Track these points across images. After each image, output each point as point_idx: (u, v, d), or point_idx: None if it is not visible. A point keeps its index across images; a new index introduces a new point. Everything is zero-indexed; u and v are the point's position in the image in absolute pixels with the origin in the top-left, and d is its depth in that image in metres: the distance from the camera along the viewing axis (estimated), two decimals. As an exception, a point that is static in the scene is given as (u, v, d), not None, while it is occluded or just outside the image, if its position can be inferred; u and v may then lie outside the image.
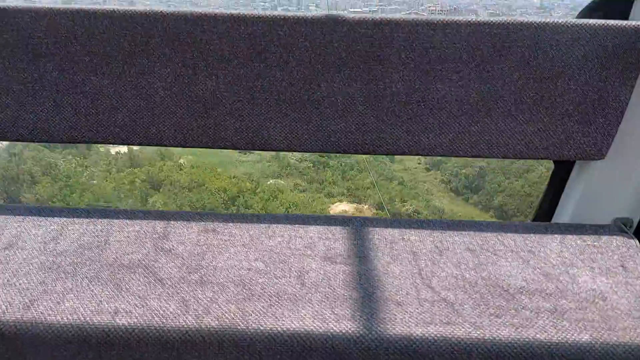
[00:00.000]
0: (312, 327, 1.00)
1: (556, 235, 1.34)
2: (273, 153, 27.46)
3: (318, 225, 1.32)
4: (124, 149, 23.69)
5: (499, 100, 1.29)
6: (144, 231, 1.27)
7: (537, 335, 1.01)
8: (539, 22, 1.24)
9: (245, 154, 31.59)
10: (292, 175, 29.66)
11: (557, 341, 1.00)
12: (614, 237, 1.35)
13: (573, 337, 1.01)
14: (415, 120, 1.30)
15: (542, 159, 1.37)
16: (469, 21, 1.22)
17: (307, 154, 28.27)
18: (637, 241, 1.33)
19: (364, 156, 24.95)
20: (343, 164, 31.19)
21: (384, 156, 30.24)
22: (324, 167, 30.74)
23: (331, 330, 1.00)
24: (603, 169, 1.42)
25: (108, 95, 1.25)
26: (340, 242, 1.26)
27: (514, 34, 1.23)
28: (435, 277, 1.15)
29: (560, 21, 1.25)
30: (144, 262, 1.16)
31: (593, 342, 1.00)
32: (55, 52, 1.21)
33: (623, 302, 1.10)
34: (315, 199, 26.36)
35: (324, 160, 30.46)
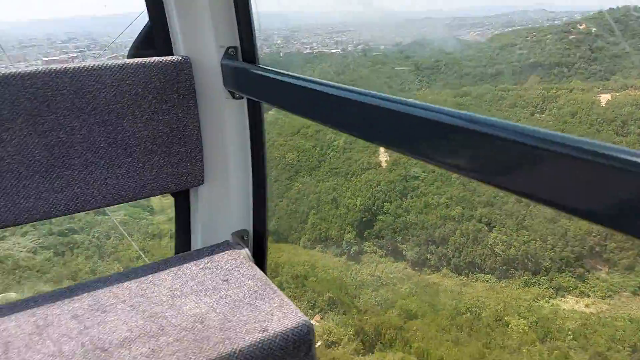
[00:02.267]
0: None
1: (173, 269, 1.38)
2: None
3: None
4: None
5: (72, 151, 1.29)
6: None
7: None
8: (82, 66, 1.28)
9: None
10: (27, 279, 21.02)
11: None
12: (227, 252, 1.45)
13: None
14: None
15: (148, 196, 1.44)
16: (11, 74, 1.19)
17: (40, 240, 22.43)
18: (247, 250, 1.48)
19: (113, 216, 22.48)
20: (96, 234, 24.22)
21: (144, 211, 26.46)
22: (71, 249, 23.16)
23: None
24: (210, 192, 1.56)
25: None
26: None
27: (56, 81, 1.26)
28: None
29: (104, 64, 1.30)
30: None
31: None
32: None
33: (219, 318, 1.17)
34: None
35: (67, 240, 23.32)
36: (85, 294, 1.29)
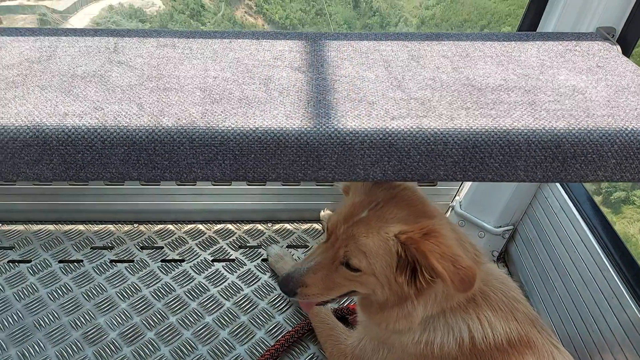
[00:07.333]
0: (285, 125, 0.98)
1: (537, 42, 1.35)
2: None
3: (287, 39, 1.31)
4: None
5: None
6: (95, 46, 1.21)
7: (514, 124, 1.01)
8: None
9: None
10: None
11: (534, 128, 1.01)
12: (597, 42, 1.37)
13: (550, 124, 1.02)
14: None
15: None
16: None
17: None
18: (619, 47, 1.38)
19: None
20: None
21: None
22: None
23: (305, 127, 0.98)
24: None
25: None
26: (312, 54, 1.24)
27: None
28: (410, 80, 1.15)
29: None
30: (97, 73, 1.10)
31: (570, 128, 1.02)
32: None
33: (602, 95, 1.13)
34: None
35: None
36: (451, 42, 1.33)
